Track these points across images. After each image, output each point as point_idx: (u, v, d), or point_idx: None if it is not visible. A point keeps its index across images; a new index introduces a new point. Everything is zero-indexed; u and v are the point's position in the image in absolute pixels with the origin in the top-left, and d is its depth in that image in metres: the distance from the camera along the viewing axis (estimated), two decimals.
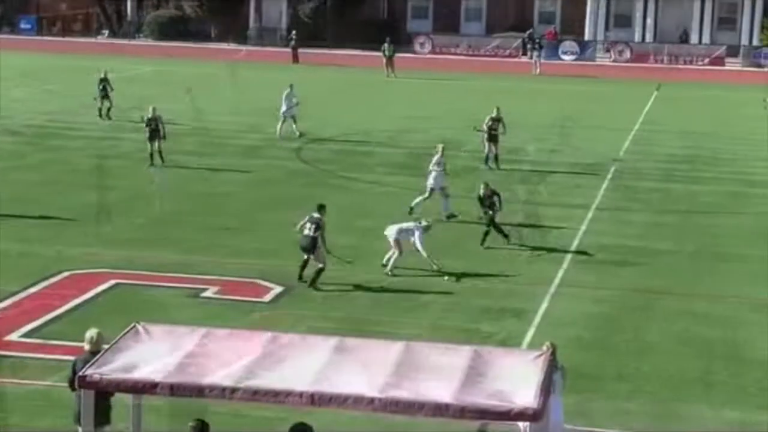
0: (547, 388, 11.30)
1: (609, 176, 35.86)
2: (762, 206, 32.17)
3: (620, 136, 43.59)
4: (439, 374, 11.36)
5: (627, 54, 75.44)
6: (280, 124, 41.13)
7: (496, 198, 26.35)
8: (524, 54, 74.26)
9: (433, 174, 29.58)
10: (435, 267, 24.01)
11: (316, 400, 10.96)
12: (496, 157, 35.96)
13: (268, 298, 22.53)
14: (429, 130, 42.79)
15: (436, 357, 11.81)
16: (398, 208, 29.61)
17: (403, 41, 73.94)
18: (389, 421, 12.50)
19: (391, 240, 23.98)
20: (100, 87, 44.00)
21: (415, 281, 23.49)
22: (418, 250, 23.89)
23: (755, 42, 75.64)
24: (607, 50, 76.32)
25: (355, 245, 26.25)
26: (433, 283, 23.21)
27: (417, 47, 76.66)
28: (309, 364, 11.48)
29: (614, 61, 75.11)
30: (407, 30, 79.05)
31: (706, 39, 77.00)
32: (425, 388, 11.07)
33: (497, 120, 36.06)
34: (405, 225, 24.38)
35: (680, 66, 73.55)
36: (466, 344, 13.40)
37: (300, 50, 70.65)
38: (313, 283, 22.89)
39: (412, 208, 28.95)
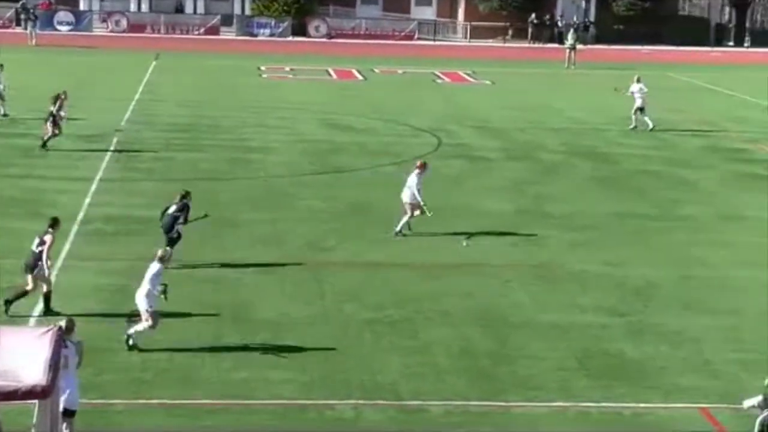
0: (56, 364, 11.21)
1: (112, 147, 35.75)
2: (260, 171, 33.20)
3: (121, 106, 43.50)
4: None
5: (124, 24, 75.38)
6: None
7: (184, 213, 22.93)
8: (18, 25, 72.34)
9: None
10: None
11: None
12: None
13: None
14: None
15: None
16: None
17: None
18: None
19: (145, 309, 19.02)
20: None
21: None
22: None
23: (248, 12, 77.85)
24: (104, 21, 75.89)
25: None
26: None
27: None
28: None
29: (111, 31, 74.82)
30: None
31: (201, 9, 78.32)
32: None
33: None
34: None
35: (177, 35, 74.43)
36: None
37: None
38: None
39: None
